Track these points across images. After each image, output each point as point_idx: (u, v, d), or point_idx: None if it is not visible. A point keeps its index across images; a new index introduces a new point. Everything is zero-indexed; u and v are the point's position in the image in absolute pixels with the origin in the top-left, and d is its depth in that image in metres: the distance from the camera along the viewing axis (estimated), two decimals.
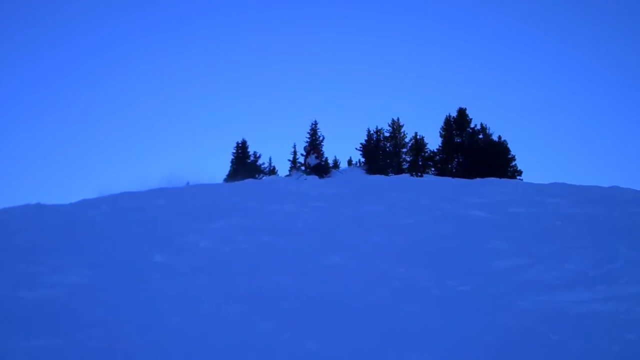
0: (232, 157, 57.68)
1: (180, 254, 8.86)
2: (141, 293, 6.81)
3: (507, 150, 52.50)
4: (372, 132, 55.79)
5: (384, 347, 5.20)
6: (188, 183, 25.72)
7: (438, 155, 53.73)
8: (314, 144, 25.14)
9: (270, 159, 57.53)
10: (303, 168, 25.37)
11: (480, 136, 53.56)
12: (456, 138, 53.42)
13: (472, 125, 53.80)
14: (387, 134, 55.66)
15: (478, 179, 19.78)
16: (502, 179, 20.88)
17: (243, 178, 28.80)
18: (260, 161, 57.00)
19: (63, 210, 12.99)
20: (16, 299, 6.38)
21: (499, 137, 53.23)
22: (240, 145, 57.78)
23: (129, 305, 6.31)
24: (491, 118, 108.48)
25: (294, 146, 56.02)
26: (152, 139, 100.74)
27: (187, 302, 6.45)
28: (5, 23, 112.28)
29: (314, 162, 23.90)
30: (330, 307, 6.34)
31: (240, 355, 4.87)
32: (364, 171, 28.85)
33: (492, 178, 20.32)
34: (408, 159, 54.45)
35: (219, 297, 6.65)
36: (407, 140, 55.16)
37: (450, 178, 22.68)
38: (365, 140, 55.55)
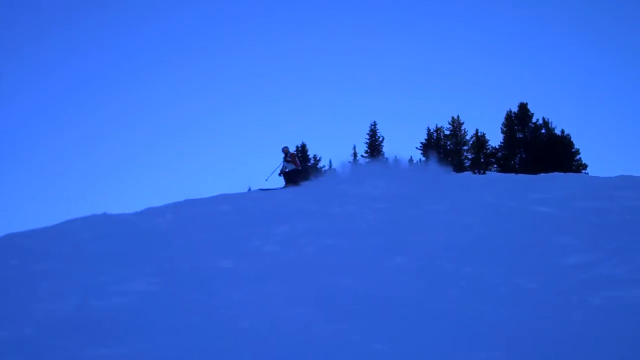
0: None
1: (245, 259, 8.92)
2: (209, 299, 6.87)
3: (571, 144, 51.48)
4: (432, 130, 55.42)
5: (453, 346, 5.14)
6: (249, 189, 25.90)
7: (500, 152, 53.01)
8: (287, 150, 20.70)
9: (330, 162, 57.48)
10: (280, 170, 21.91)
11: (543, 131, 52.66)
12: (518, 133, 52.62)
13: (533, 120, 52.93)
14: (447, 132, 55.22)
15: (542, 175, 19.39)
16: (567, 174, 20.42)
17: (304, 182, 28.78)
18: (320, 164, 57.14)
19: (129, 220, 13.23)
20: (89, 308, 6.50)
21: (562, 131, 52.22)
22: (299, 148, 58.00)
23: (198, 312, 6.37)
24: (553, 112, 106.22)
25: (354, 148, 56.10)
26: (211, 145, 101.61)
27: (255, 307, 6.48)
28: (76, 23, 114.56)
29: (290, 168, 21.83)
30: (397, 308, 6.30)
31: (311, 357, 4.88)
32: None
33: (557, 173, 19.91)
34: (470, 157, 53.89)
35: (286, 301, 6.67)
36: (468, 137, 54.63)
37: (513, 174, 22.32)
38: (425, 139, 55.21)
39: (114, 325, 5.91)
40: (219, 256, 9.00)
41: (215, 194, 17.68)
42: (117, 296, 6.92)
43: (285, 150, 21.96)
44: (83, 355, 5.11)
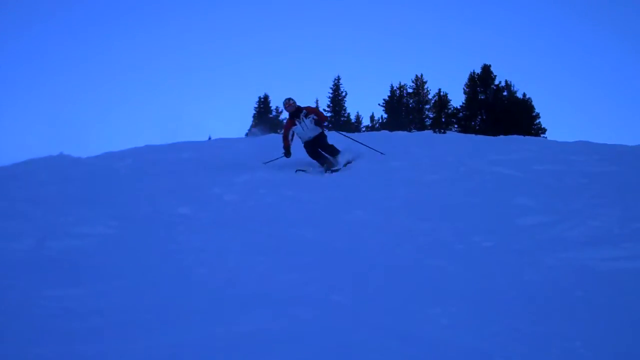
0: (254, 112, 57.63)
1: (205, 207, 8.92)
2: (167, 245, 6.87)
3: (532, 108, 52.05)
4: (395, 87, 55.45)
5: (409, 300, 5.21)
6: (210, 137, 25.75)
7: (461, 112, 53.40)
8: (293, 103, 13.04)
9: None
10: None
11: (505, 93, 53.10)
12: (480, 95, 52.99)
13: (496, 82, 53.30)
14: (410, 90, 55.35)
15: (502, 137, 19.56)
16: (526, 137, 20.58)
17: (264, 133, 28.60)
18: (282, 116, 56.98)
19: (87, 163, 13.09)
20: (44, 249, 6.45)
21: (524, 95, 52.74)
22: (262, 100, 57.67)
23: (155, 257, 6.37)
24: (516, 75, 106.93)
25: (316, 102, 55.95)
26: (173, 92, 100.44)
27: (213, 255, 6.50)
28: None
29: (313, 131, 12.94)
30: (354, 261, 6.36)
31: (267, 306, 4.90)
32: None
33: (516, 135, 20.06)
34: (431, 116, 54.16)
35: (244, 250, 6.70)
36: (430, 96, 54.85)
37: (473, 135, 22.45)
38: (388, 96, 55.24)
39: (70, 267, 5.89)
40: (178, 203, 8.98)
41: (176, 141, 17.54)
42: (75, 238, 6.88)
43: (290, 104, 13.14)
44: (38, 296, 5.06)
